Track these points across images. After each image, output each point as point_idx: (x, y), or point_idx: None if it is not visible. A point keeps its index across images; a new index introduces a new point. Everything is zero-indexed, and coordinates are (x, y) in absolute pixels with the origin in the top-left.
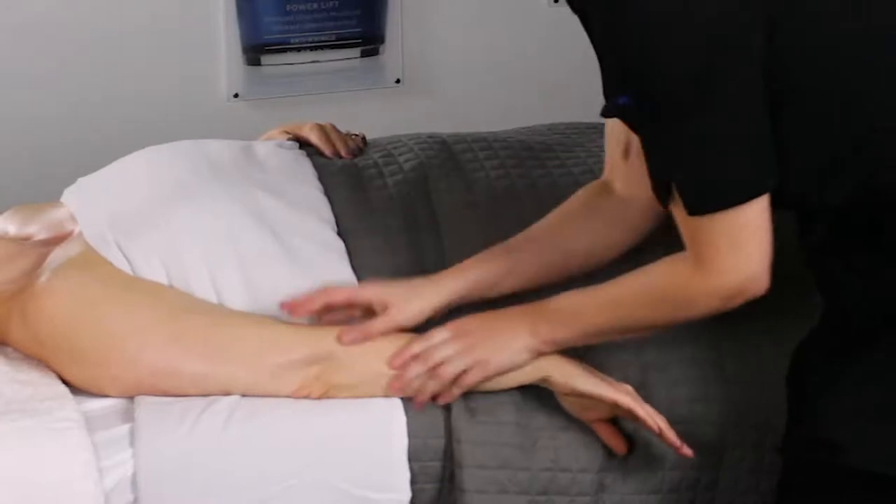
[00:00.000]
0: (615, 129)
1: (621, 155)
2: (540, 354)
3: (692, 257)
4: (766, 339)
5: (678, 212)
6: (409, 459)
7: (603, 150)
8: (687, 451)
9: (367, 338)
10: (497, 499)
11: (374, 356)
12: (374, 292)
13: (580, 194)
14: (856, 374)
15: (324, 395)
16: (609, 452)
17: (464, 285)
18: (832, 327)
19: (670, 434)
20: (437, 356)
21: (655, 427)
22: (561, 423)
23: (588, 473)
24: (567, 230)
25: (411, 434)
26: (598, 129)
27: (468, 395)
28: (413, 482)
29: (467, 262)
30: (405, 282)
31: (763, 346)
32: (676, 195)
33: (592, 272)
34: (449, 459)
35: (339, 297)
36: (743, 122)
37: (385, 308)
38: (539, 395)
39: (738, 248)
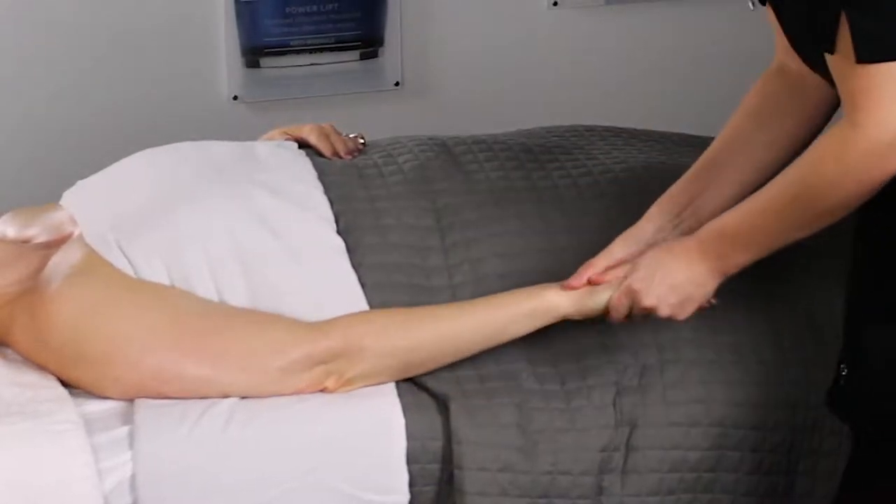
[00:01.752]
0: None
1: None
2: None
3: (849, 113)
4: (764, 342)
5: (838, 63)
6: (408, 461)
7: (601, 152)
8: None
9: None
10: (498, 501)
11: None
12: (619, 248)
13: (758, 86)
14: None
15: (341, 388)
16: (608, 455)
17: (666, 212)
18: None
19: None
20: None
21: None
22: (561, 425)
23: (588, 476)
24: (749, 127)
25: (410, 436)
26: (597, 132)
27: (468, 397)
28: (412, 484)
29: (669, 189)
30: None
31: (762, 347)
32: (843, 43)
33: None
34: (448, 461)
35: (599, 266)
36: None
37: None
38: (539, 397)
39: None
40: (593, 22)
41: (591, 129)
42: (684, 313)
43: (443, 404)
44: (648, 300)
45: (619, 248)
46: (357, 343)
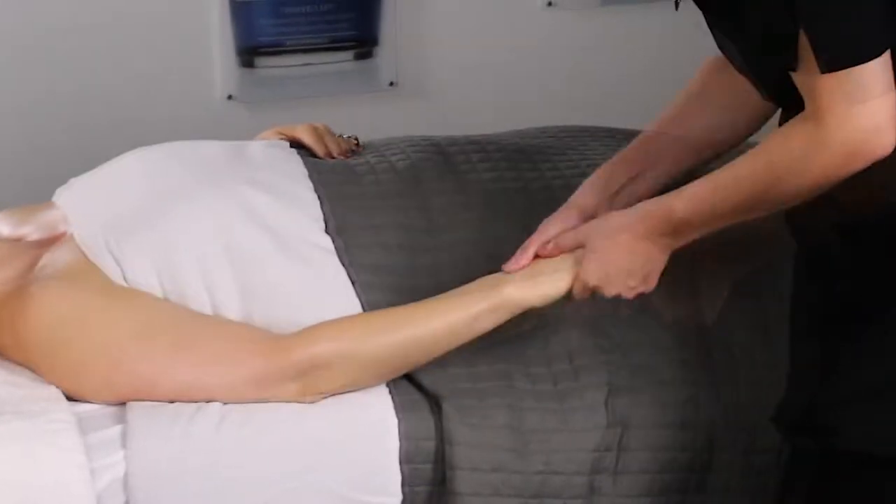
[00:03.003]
0: None
1: None
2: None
3: (812, 114)
4: (756, 342)
5: (801, 77)
6: (402, 462)
7: (595, 152)
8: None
9: (527, 258)
10: (490, 501)
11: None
12: (553, 226)
13: (703, 70)
14: (845, 355)
15: (318, 399)
16: (600, 455)
17: (602, 191)
18: (820, 309)
19: None
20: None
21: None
22: (554, 425)
23: (580, 476)
24: (689, 111)
25: (404, 436)
26: (590, 132)
27: (461, 397)
28: (405, 485)
29: (603, 167)
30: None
31: (753, 348)
32: (804, 53)
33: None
34: (441, 462)
35: (534, 245)
36: None
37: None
38: (532, 397)
39: (864, 99)
40: (588, 22)
41: (585, 130)
42: (650, 286)
43: (436, 404)
44: (611, 291)
45: (553, 226)
46: (322, 361)
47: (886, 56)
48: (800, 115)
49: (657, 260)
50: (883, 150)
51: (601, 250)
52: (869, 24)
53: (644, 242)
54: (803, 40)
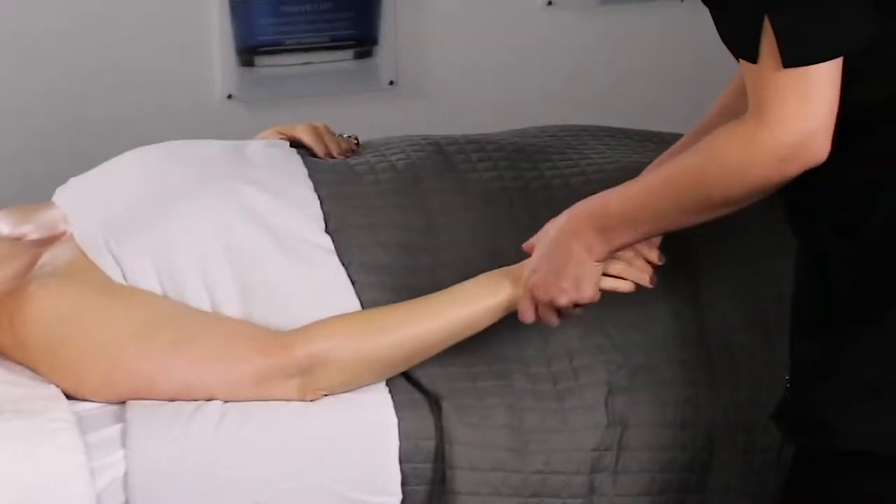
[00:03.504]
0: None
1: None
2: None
3: (754, 111)
4: (756, 342)
5: (748, 65)
6: (401, 461)
7: (595, 152)
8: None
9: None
10: (489, 500)
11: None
12: None
13: (735, 81)
14: (845, 355)
15: (320, 397)
16: (600, 455)
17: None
18: (821, 309)
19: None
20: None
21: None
22: (553, 425)
23: (579, 476)
24: (724, 120)
25: (403, 436)
26: (590, 132)
27: (460, 397)
28: (404, 484)
29: (658, 160)
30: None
31: (753, 348)
32: (766, 46)
33: None
34: (440, 461)
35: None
36: None
37: None
38: (531, 397)
39: (806, 100)
40: (587, 22)
41: (584, 129)
42: (584, 294)
43: (435, 403)
44: (544, 297)
45: None
46: (322, 358)
47: (839, 60)
48: (741, 117)
49: (585, 261)
50: (817, 156)
51: (535, 259)
52: (834, 24)
53: (571, 240)
54: (767, 33)
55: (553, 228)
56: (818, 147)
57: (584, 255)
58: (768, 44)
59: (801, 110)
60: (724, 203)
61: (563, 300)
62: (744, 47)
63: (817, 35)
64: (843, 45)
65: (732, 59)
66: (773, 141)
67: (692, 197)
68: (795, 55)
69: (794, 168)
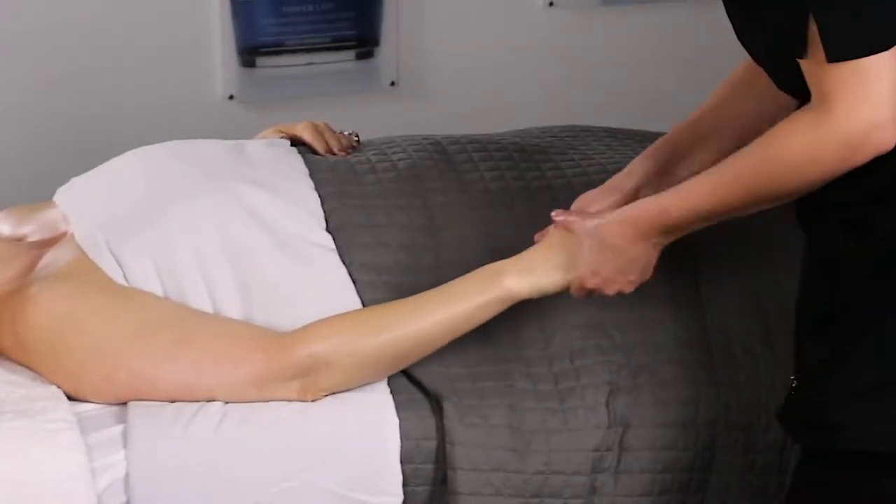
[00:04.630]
0: None
1: None
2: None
3: (817, 104)
4: (756, 342)
5: (809, 65)
6: (402, 461)
7: (596, 152)
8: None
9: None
10: (490, 501)
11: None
12: (582, 202)
13: (741, 64)
14: (849, 353)
15: (321, 397)
16: (601, 455)
17: (654, 164)
18: (827, 307)
19: None
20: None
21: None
22: (554, 425)
23: (581, 476)
24: (734, 98)
25: (404, 436)
26: (592, 132)
27: (461, 397)
28: (405, 484)
29: (650, 148)
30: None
31: (753, 348)
32: (813, 42)
33: None
34: (441, 462)
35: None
36: None
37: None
38: (532, 397)
39: (867, 91)
40: (589, 22)
41: (586, 130)
42: (647, 277)
43: (436, 403)
44: (611, 290)
45: (592, 200)
46: (322, 359)
47: (894, 50)
48: (803, 107)
49: (651, 255)
50: (884, 145)
51: (595, 262)
52: (880, 16)
53: (636, 245)
54: (813, 28)
55: (605, 238)
56: (886, 135)
57: (653, 252)
58: (815, 39)
59: (865, 100)
60: (794, 194)
61: (631, 288)
62: (795, 44)
63: (861, 28)
64: (890, 38)
65: (732, 58)
66: (840, 132)
67: (761, 193)
68: (839, 50)
69: (863, 156)
